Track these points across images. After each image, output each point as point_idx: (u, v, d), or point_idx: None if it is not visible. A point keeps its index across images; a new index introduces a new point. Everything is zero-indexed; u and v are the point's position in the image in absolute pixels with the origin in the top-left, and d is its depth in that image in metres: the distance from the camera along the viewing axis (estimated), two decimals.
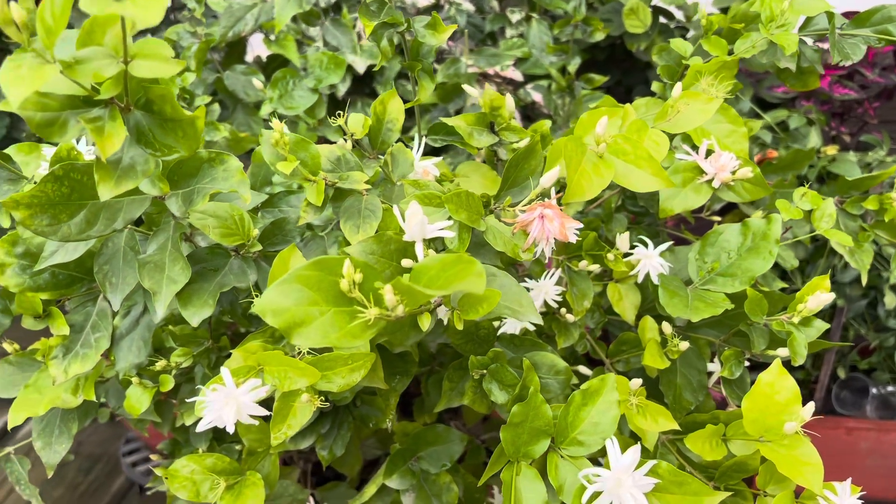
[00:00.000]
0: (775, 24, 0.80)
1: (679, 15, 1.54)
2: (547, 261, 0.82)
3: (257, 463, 0.79)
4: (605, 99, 0.85)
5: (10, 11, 0.39)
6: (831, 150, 1.38)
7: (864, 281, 0.86)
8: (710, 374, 0.82)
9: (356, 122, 0.67)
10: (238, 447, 0.89)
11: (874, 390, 1.39)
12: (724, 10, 1.47)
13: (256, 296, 0.65)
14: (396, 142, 0.71)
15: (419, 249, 0.54)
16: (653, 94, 1.63)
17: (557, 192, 0.62)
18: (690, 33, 1.56)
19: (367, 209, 0.61)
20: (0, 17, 0.39)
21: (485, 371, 0.69)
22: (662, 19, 1.51)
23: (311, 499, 0.91)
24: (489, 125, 0.76)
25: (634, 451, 0.53)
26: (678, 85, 0.70)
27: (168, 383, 0.74)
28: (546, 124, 0.79)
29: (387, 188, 0.69)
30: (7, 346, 0.79)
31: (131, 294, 0.68)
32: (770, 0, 0.80)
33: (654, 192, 1.02)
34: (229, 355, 0.81)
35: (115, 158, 0.51)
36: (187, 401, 0.76)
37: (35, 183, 0.55)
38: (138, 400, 0.74)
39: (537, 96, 1.40)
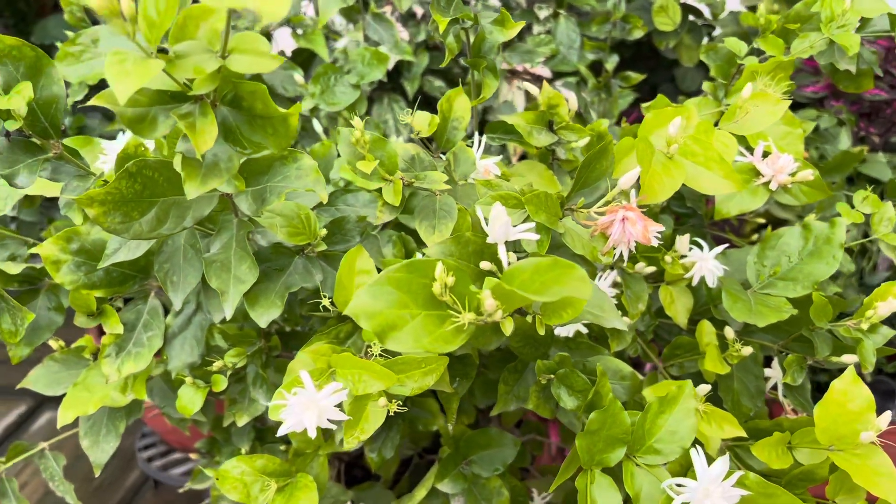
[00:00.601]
0: (835, 24, 0.79)
1: (707, 13, 1.53)
2: None
3: (306, 464, 0.77)
4: (659, 98, 0.83)
5: (118, 3, 0.37)
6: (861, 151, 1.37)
7: None
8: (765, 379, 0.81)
9: (422, 120, 0.65)
10: (282, 447, 0.87)
11: None
12: (752, 9, 1.46)
13: (326, 296, 0.63)
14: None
15: (503, 252, 0.53)
16: (679, 93, 1.62)
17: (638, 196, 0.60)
18: (717, 31, 1.55)
19: (442, 209, 0.60)
20: (108, 9, 0.37)
21: (552, 376, 0.68)
22: (691, 17, 1.50)
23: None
24: (548, 124, 0.75)
25: (723, 461, 0.52)
26: (748, 86, 0.68)
27: (221, 383, 0.72)
28: (604, 123, 0.78)
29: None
30: (52, 344, 0.77)
31: None
32: (831, 0, 0.78)
33: (703, 193, 1.01)
34: (279, 356, 0.80)
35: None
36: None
37: (106, 181, 0.53)
38: (191, 400, 0.72)
39: (566, 93, 1.38)
